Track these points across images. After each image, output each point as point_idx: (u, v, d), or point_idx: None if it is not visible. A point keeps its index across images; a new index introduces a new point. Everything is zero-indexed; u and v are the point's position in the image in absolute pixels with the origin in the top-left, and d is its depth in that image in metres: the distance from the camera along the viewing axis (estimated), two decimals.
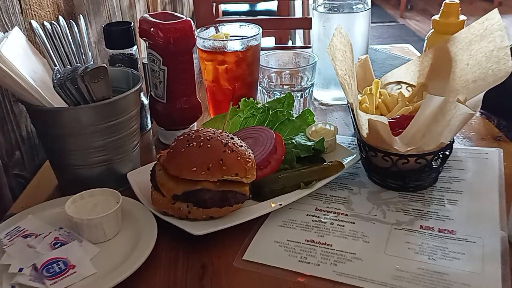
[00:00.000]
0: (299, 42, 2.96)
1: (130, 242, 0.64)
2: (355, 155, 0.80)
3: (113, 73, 0.82)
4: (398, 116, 0.78)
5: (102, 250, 0.63)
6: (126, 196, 0.71)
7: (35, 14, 0.89)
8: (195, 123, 0.93)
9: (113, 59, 0.91)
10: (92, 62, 0.78)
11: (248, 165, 0.67)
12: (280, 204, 0.69)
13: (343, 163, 0.77)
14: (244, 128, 0.83)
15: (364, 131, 0.74)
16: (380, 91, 0.86)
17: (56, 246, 0.61)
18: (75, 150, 0.72)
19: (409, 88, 0.92)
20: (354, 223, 0.68)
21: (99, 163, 0.74)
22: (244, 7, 2.93)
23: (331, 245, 0.64)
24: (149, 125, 0.99)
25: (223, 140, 0.67)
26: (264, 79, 0.95)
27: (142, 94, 0.96)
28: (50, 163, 0.78)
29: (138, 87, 0.75)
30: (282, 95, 0.87)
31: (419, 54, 1.35)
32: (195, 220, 0.66)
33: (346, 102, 1.04)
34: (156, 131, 0.96)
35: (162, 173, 0.68)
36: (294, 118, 0.85)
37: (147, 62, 0.91)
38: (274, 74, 0.95)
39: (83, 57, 0.77)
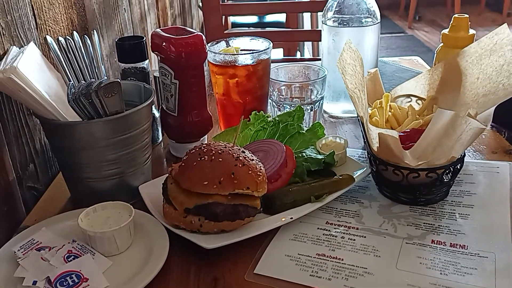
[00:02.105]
0: (307, 54, 2.98)
1: (142, 255, 0.64)
2: (365, 169, 0.80)
3: (125, 86, 0.83)
4: (408, 130, 0.79)
5: (114, 263, 0.63)
6: (137, 209, 0.72)
7: (49, 29, 0.91)
8: (206, 136, 0.94)
9: (125, 73, 0.92)
10: (105, 76, 0.79)
11: (259, 178, 0.67)
12: (291, 218, 0.69)
13: (354, 177, 0.77)
14: (255, 142, 0.83)
15: (375, 145, 0.74)
16: (390, 105, 0.86)
17: (69, 259, 0.62)
18: (88, 164, 0.73)
19: (419, 102, 0.92)
20: (365, 237, 0.68)
21: (112, 176, 0.75)
22: (253, 19, 2.96)
23: (342, 259, 0.64)
24: (160, 138, 1.00)
25: (234, 154, 0.68)
26: (274, 92, 0.95)
27: (153, 107, 0.97)
28: (63, 176, 0.79)
29: (150, 101, 0.76)
30: (292, 109, 0.88)
31: (428, 67, 1.36)
32: (206, 233, 0.66)
33: (356, 115, 1.04)
34: (167, 144, 0.97)
35: (174, 186, 0.69)
36: (304, 132, 0.86)
37: (158, 76, 0.92)
38: (284, 87, 0.96)
39: (96, 71, 0.78)
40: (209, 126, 0.92)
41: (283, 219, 0.69)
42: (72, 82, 0.69)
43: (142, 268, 0.62)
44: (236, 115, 0.92)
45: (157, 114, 0.97)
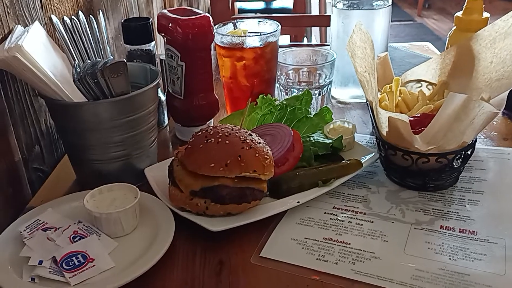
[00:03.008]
0: (314, 40, 2.94)
1: (147, 237, 0.64)
2: (373, 154, 0.79)
3: (131, 68, 0.82)
4: (418, 115, 0.77)
5: (120, 245, 0.63)
6: (143, 192, 0.71)
7: (54, 9, 0.90)
8: (212, 120, 0.93)
9: (131, 55, 0.91)
10: (112, 57, 0.78)
11: (266, 162, 0.66)
12: (298, 202, 0.69)
13: (362, 162, 0.76)
14: (262, 125, 0.82)
15: (384, 129, 0.73)
16: (400, 89, 0.85)
17: (75, 240, 0.62)
18: (94, 145, 0.72)
19: (430, 87, 0.90)
20: (372, 222, 0.68)
21: (117, 158, 0.74)
22: (260, 5, 2.92)
23: (349, 244, 0.63)
24: (166, 121, 0.99)
25: (241, 137, 0.67)
26: (281, 76, 0.94)
27: (159, 90, 0.96)
28: (69, 157, 0.78)
29: (156, 82, 0.75)
30: (300, 93, 0.86)
31: (439, 53, 1.33)
32: (212, 216, 0.65)
33: (364, 101, 1.03)
34: (173, 127, 0.96)
35: (180, 168, 0.68)
36: (312, 116, 0.84)
37: (164, 58, 0.91)
38: (292, 71, 0.94)
39: (102, 53, 0.77)
40: (216, 109, 0.91)
41: (290, 203, 0.68)
42: (78, 62, 0.68)
43: (148, 250, 0.62)
44: (243, 98, 0.91)
45: (163, 98, 0.96)
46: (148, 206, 0.69)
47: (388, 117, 0.69)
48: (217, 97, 0.90)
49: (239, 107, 0.92)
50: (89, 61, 0.69)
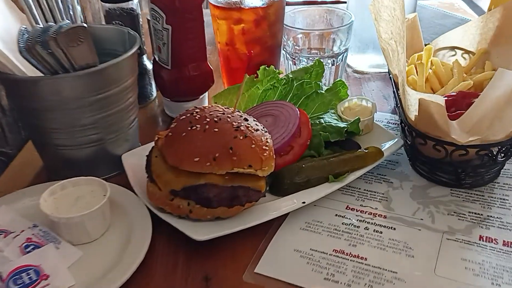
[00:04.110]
0: None
1: (119, 244, 0.53)
2: (396, 140, 0.65)
3: (106, 33, 0.69)
4: (454, 93, 0.63)
5: (85, 254, 0.52)
6: (119, 185, 0.60)
7: None
8: (206, 94, 0.79)
9: (110, 15, 0.77)
10: (81, 19, 0.65)
11: (265, 154, 0.54)
12: (303, 202, 0.56)
13: (382, 150, 0.63)
14: (263, 103, 0.69)
15: (412, 112, 0.59)
16: (431, 60, 0.70)
17: (27, 250, 0.50)
18: (58, 129, 0.60)
19: (466, 55, 0.76)
20: (394, 229, 0.55)
21: (89, 143, 0.62)
22: None
23: (366, 259, 0.51)
24: (154, 94, 0.86)
25: (234, 123, 0.54)
26: (288, 42, 0.80)
27: (145, 57, 0.83)
28: (32, 143, 0.66)
29: (133, 51, 0.62)
30: (310, 63, 0.72)
31: (472, 13, 1.16)
32: (198, 220, 0.53)
33: (386, 70, 0.88)
34: (162, 101, 0.83)
35: (159, 160, 0.56)
36: (323, 91, 0.71)
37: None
38: (301, 36, 0.79)
39: (71, 13, 0.63)
40: (210, 82, 0.77)
41: (293, 203, 0.56)
42: (26, 27, 0.54)
43: (119, 261, 0.51)
44: (242, 69, 0.78)
45: (150, 66, 0.83)
46: (123, 204, 0.58)
47: (419, 99, 0.55)
48: (212, 68, 0.76)
49: (238, 79, 0.78)
50: (39, 26, 0.55)
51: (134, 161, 0.64)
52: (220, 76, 0.84)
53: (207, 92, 0.80)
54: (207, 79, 0.76)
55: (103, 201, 0.53)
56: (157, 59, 0.77)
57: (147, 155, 0.58)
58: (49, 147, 0.63)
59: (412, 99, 0.58)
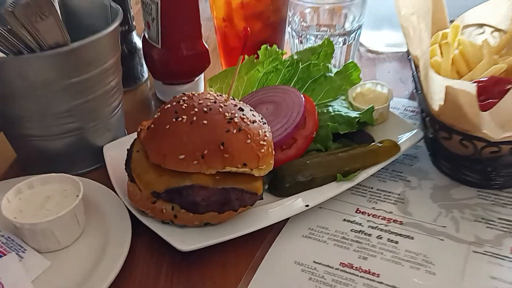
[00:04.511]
0: None
1: (93, 253, 0.46)
2: (415, 131, 0.57)
3: (83, 6, 0.61)
4: (485, 78, 0.54)
5: (54, 264, 0.46)
6: (98, 181, 0.54)
7: None
8: (202, 76, 0.71)
9: None
10: None
11: (263, 150, 0.46)
12: (307, 206, 0.49)
13: (399, 144, 0.55)
14: (263, 88, 0.61)
15: (437, 101, 0.50)
16: (457, 39, 0.61)
17: None
18: (28, 116, 0.53)
19: (496, 34, 0.66)
20: (412, 238, 0.47)
21: (65, 133, 0.55)
22: None
23: (379, 276, 0.44)
24: (145, 75, 0.78)
25: (227, 113, 0.46)
26: (294, 18, 0.71)
27: (134, 34, 0.75)
28: (3, 133, 0.59)
29: (113, 27, 0.54)
30: (318, 42, 0.64)
31: None
32: (184, 226, 0.46)
33: (403, 50, 0.80)
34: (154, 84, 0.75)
35: (140, 157, 0.48)
36: (332, 75, 0.63)
37: None
38: (309, 10, 0.71)
39: None
40: (205, 62, 0.69)
41: (294, 206, 0.48)
42: None
43: (92, 272, 0.44)
44: (241, 48, 0.69)
45: (139, 44, 0.75)
46: (99, 205, 0.51)
47: (446, 86, 0.47)
48: (208, 47, 0.68)
49: (237, 60, 0.70)
50: None
51: (116, 153, 0.56)
52: (218, 56, 0.76)
53: (202, 74, 0.71)
54: (202, 60, 0.68)
55: (74, 203, 0.46)
56: (146, 36, 0.69)
57: (128, 149, 0.51)
58: (21, 137, 0.56)
59: (437, 86, 0.49)
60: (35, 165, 0.57)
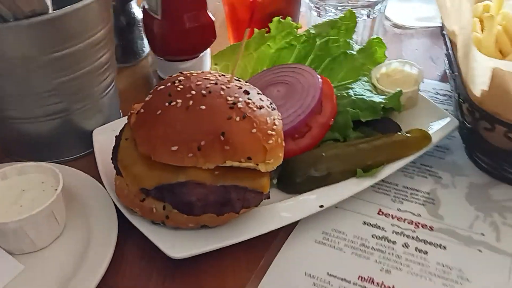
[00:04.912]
0: None
1: (74, 255, 0.41)
2: (449, 120, 0.50)
3: None
4: None
5: (28, 267, 0.40)
6: (85, 171, 0.48)
7: None
8: (207, 52, 0.64)
9: None
10: None
11: (270, 142, 0.39)
12: (321, 206, 0.42)
13: (430, 134, 0.47)
14: (274, 67, 0.54)
15: (479, 85, 0.43)
16: (501, 12, 0.52)
17: None
18: (5, 97, 0.47)
19: None
20: (445, 248, 0.41)
21: (49, 115, 0.49)
22: None
23: None
24: (146, 50, 0.71)
25: (229, 97, 0.39)
26: None
27: (133, 4, 0.67)
28: None
29: None
30: (339, 14, 0.56)
31: None
32: (178, 228, 0.40)
33: (435, 25, 0.71)
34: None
35: (129, 146, 0.42)
36: (354, 52, 0.55)
37: None
38: None
39: None
40: (210, 36, 0.62)
41: (307, 207, 0.42)
42: None
43: (73, 277, 0.39)
44: (251, 21, 0.61)
45: (138, 15, 0.67)
46: (84, 199, 0.45)
47: (493, 69, 0.39)
48: (214, 19, 0.60)
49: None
50: None
51: (108, 138, 0.49)
52: (226, 30, 0.68)
53: (208, 51, 0.64)
54: (207, 33, 0.61)
55: (51, 199, 0.40)
56: (146, 7, 0.61)
57: (116, 136, 0.44)
58: (0, 119, 0.50)
59: (481, 68, 0.41)
60: (18, 151, 0.52)
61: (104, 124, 0.53)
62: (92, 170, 0.48)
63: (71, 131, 0.51)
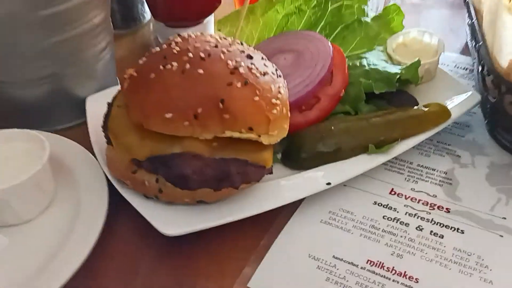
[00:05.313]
0: None
1: (61, 228, 0.38)
2: (470, 94, 0.46)
3: None
4: None
5: (12, 242, 0.37)
6: (77, 141, 0.44)
7: None
8: (211, 18, 0.60)
9: None
10: None
11: (274, 111, 0.35)
12: (328, 183, 0.38)
13: (449, 109, 0.43)
14: (282, 34, 0.50)
15: (507, 55, 0.38)
16: None
17: None
18: None
19: None
20: (462, 232, 0.37)
21: (38, 79, 0.47)
22: None
23: (417, 281, 0.34)
24: (147, 16, 0.67)
25: (230, 61, 0.35)
26: None
27: None
28: None
29: None
30: None
31: None
32: (172, 203, 0.37)
33: None
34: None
35: (122, 113, 0.38)
36: (369, 20, 0.51)
37: None
38: None
39: None
40: (215, 1, 0.57)
41: (313, 184, 0.38)
42: None
43: (57, 254, 0.36)
44: None
45: None
46: (73, 169, 0.42)
47: None
48: None
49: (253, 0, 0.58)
50: None
51: (102, 107, 0.46)
52: None
53: (212, 16, 0.60)
54: None
55: (36, 168, 0.37)
56: None
57: (108, 103, 0.41)
58: None
59: (511, 35, 0.37)
60: (3, 117, 0.49)
61: (99, 91, 0.50)
62: (86, 141, 0.44)
63: (62, 98, 0.48)
